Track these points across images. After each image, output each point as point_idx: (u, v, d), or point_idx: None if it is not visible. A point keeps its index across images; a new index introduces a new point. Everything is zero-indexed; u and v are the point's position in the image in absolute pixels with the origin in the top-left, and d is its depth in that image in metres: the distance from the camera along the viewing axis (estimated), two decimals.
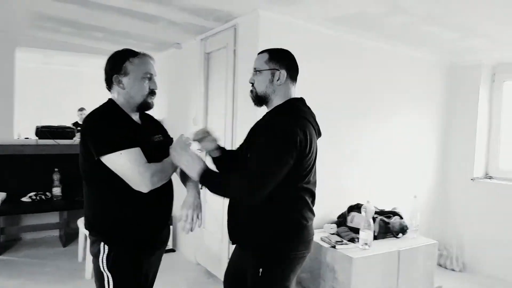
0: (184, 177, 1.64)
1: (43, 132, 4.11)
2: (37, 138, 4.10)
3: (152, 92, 1.54)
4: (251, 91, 1.63)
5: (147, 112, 1.64)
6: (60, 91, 5.62)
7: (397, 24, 2.77)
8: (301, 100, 1.63)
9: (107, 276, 1.46)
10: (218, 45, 3.18)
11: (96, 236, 1.49)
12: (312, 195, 1.60)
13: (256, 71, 1.60)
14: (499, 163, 3.75)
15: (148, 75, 1.51)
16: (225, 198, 1.59)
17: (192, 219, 1.50)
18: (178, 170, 1.63)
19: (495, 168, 3.77)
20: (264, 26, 2.68)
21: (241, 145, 1.74)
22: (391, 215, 2.99)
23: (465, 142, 3.81)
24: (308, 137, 1.49)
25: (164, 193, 1.58)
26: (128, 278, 1.49)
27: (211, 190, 1.50)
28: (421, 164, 3.81)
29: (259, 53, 1.64)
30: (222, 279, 3.06)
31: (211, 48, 3.31)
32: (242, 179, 1.44)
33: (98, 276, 1.49)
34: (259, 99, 1.61)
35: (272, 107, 1.60)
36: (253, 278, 1.52)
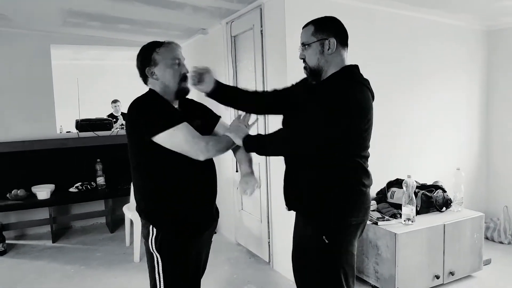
0: (235, 152, 1.74)
1: (83, 125, 4.29)
2: (77, 131, 4.29)
3: (184, 77, 1.57)
4: (305, 68, 1.58)
5: (188, 97, 1.67)
6: (89, 85, 5.82)
7: None
8: (356, 66, 1.57)
9: (156, 256, 1.53)
10: (244, 27, 3.14)
11: (146, 219, 1.57)
12: (367, 160, 1.57)
13: (305, 45, 1.55)
14: None
15: (177, 61, 1.55)
16: (268, 157, 1.65)
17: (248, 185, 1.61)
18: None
19: None
20: (290, 3, 2.61)
21: (287, 90, 1.76)
22: (433, 189, 2.90)
23: (509, 110, 3.60)
24: (365, 102, 1.46)
25: (208, 175, 1.63)
26: (176, 258, 1.56)
27: (254, 150, 1.58)
28: (463, 134, 3.65)
29: (304, 27, 1.59)
30: (264, 258, 3.17)
31: (237, 31, 3.28)
32: (288, 134, 1.52)
33: (149, 256, 1.57)
34: (313, 73, 1.55)
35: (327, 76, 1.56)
36: (318, 245, 1.53)
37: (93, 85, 6.06)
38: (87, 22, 3.57)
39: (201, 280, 1.76)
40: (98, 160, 4.10)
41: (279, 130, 1.58)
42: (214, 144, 1.51)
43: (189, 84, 1.59)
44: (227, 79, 3.48)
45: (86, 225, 4.46)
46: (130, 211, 3.43)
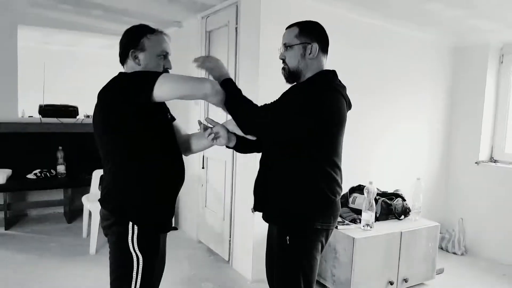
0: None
1: (46, 110, 4.13)
2: (40, 116, 4.12)
3: (165, 71, 1.48)
4: (283, 68, 1.57)
5: None
6: (57, 71, 5.60)
7: (397, 1, 2.67)
8: (333, 72, 1.58)
9: (137, 256, 1.41)
10: (220, 23, 3.12)
11: (124, 217, 1.43)
12: (339, 169, 1.60)
13: (287, 46, 1.54)
14: (505, 146, 3.69)
15: (164, 53, 1.48)
16: (228, 114, 1.56)
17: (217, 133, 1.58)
18: None
19: (501, 151, 3.71)
20: (266, 3, 2.62)
21: None
22: (394, 197, 2.97)
23: (470, 125, 3.76)
24: (337, 107, 1.48)
25: (181, 168, 1.57)
26: (156, 254, 1.48)
27: (226, 99, 1.47)
28: (425, 146, 3.78)
29: (287, 27, 1.58)
30: (224, 257, 3.14)
31: (212, 26, 3.25)
32: (258, 110, 1.49)
33: (123, 258, 1.43)
34: (292, 76, 1.55)
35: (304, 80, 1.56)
36: (281, 246, 1.53)
37: (62, 72, 5.83)
38: (57, 4, 3.43)
39: None
40: (60, 147, 3.95)
41: (255, 105, 1.54)
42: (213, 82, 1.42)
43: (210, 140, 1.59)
44: (198, 74, 3.44)
45: (42, 213, 4.28)
46: (89, 202, 3.32)
